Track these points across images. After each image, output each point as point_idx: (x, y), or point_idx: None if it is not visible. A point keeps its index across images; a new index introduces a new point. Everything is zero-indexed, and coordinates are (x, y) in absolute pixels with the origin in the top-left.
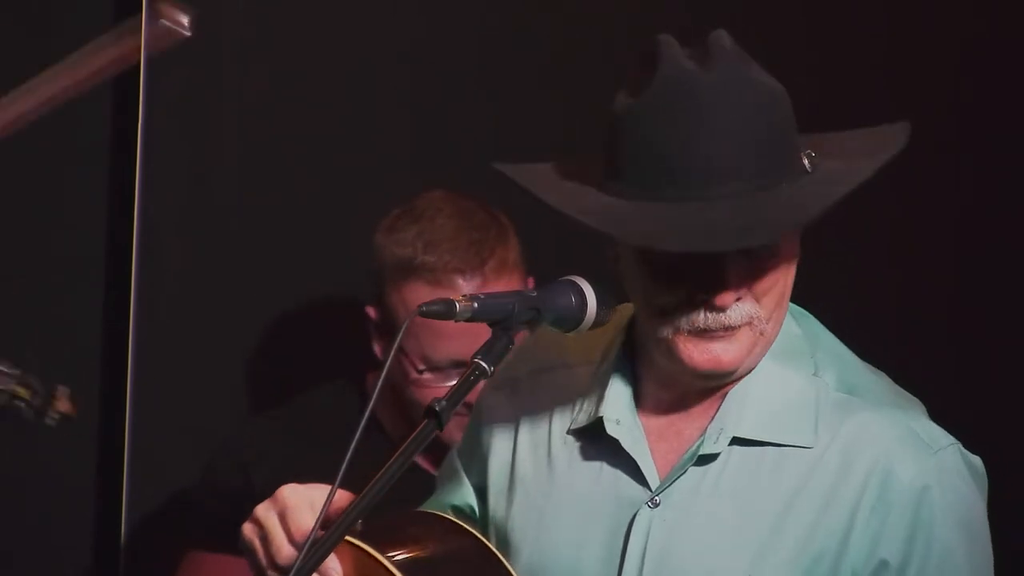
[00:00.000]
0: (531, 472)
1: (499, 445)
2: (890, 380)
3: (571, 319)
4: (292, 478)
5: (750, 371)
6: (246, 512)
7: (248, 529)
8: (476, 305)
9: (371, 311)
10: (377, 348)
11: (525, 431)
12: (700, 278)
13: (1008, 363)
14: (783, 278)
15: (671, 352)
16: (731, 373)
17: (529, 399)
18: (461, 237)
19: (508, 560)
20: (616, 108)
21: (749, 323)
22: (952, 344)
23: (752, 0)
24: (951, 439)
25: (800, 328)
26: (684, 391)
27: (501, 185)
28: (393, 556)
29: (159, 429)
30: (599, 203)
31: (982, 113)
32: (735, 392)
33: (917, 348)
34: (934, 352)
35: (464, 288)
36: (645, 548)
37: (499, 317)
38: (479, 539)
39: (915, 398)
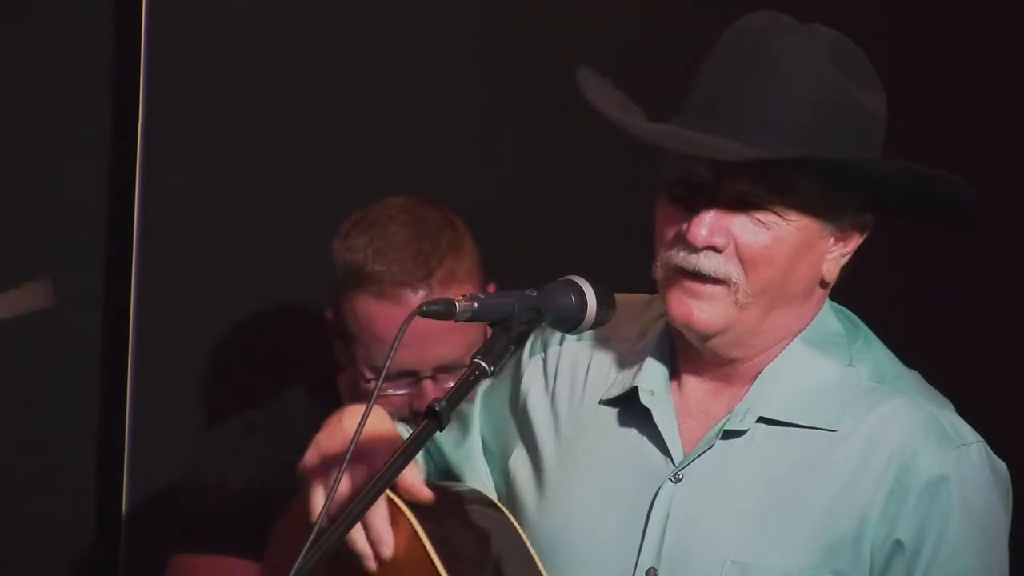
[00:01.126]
0: (569, 439)
1: (538, 411)
2: (922, 378)
3: (571, 319)
4: (269, 478)
5: (735, 349)
6: (226, 515)
7: (309, 460)
8: (476, 305)
9: (329, 314)
10: (336, 351)
11: (562, 400)
12: (691, 214)
13: (1008, 364)
14: (781, 263)
15: (665, 300)
16: (705, 336)
17: (566, 369)
18: (410, 247)
19: (527, 523)
20: None
21: (726, 283)
22: (951, 346)
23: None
24: (978, 437)
25: (841, 325)
26: (716, 373)
27: (501, 187)
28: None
29: (159, 429)
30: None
31: (982, 113)
32: (766, 374)
33: (916, 350)
34: (933, 353)
35: (411, 300)
36: (666, 522)
37: (499, 317)
38: (508, 518)
39: (945, 398)
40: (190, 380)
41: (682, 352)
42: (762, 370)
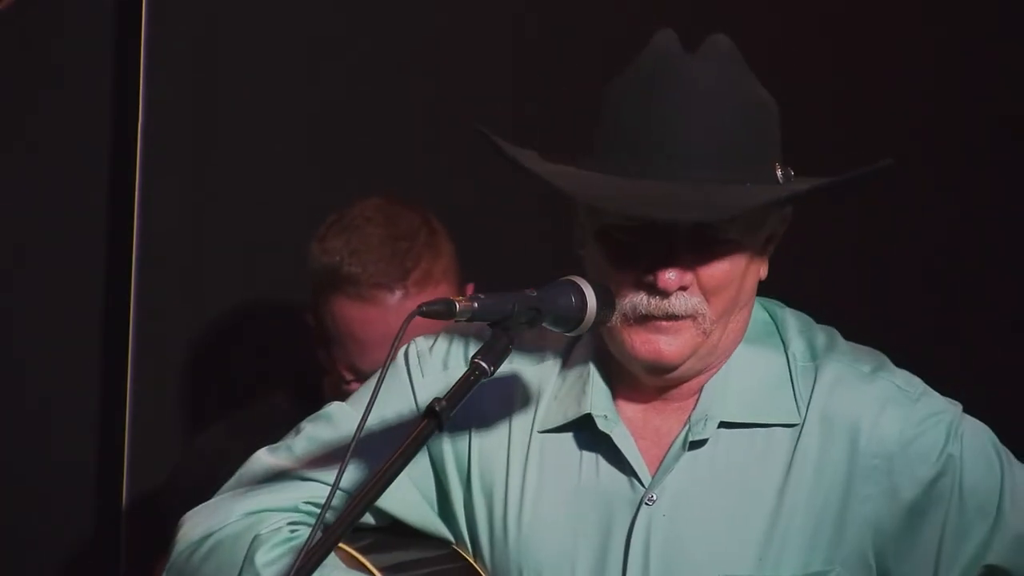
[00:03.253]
0: (497, 477)
1: (451, 453)
2: (839, 335)
3: (571, 319)
4: None
5: (696, 371)
6: None
7: None
8: (476, 305)
9: (309, 318)
10: (318, 354)
11: (477, 435)
12: (648, 262)
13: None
14: (737, 283)
15: (617, 340)
16: (673, 368)
17: (476, 405)
18: (385, 248)
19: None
20: (604, 88)
21: (693, 317)
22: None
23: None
24: (923, 385)
25: (764, 311)
26: (655, 390)
27: (491, 189)
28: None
29: (159, 429)
30: (559, 168)
31: (969, 117)
32: (713, 381)
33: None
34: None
35: (388, 301)
36: (648, 547)
37: (499, 317)
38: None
39: (872, 349)
40: (189, 380)
41: (617, 374)
42: (708, 380)
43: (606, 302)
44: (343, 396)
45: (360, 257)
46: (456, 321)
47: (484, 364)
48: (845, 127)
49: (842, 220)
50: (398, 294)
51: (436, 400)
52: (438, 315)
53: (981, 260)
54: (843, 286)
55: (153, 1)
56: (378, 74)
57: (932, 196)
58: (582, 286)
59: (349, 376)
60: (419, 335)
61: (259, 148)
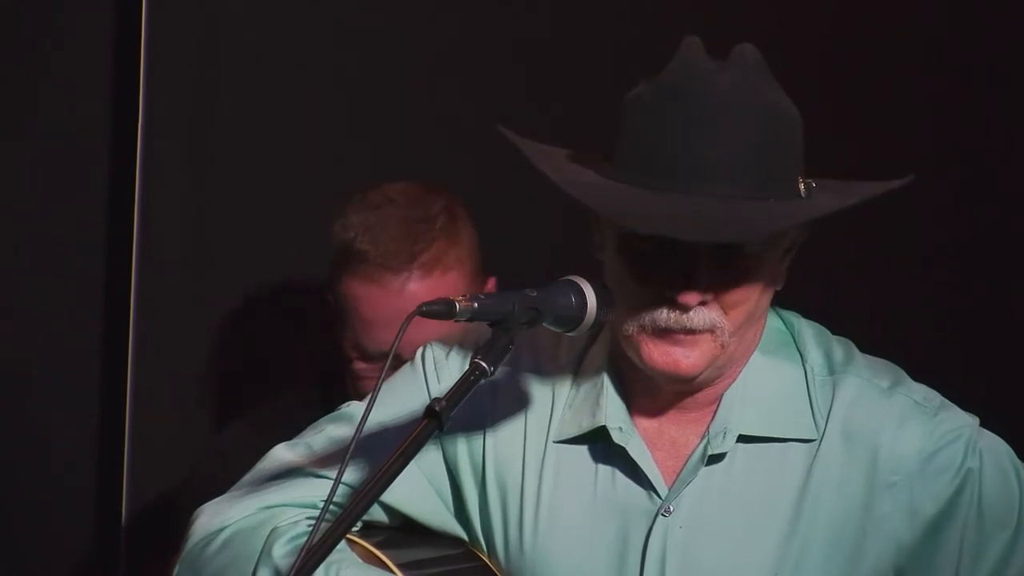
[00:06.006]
0: (512, 482)
1: (466, 455)
2: (855, 348)
3: (571, 319)
4: None
5: (713, 379)
6: None
7: None
8: (476, 305)
9: (329, 296)
10: (335, 335)
11: (492, 438)
12: (669, 275)
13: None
14: (755, 296)
15: (634, 349)
16: (691, 379)
17: (490, 407)
18: (399, 229)
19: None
20: (629, 95)
21: (712, 331)
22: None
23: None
24: (940, 398)
25: (780, 320)
26: (672, 399)
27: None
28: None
29: (159, 429)
30: (583, 178)
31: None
32: (731, 392)
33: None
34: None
35: (392, 283)
36: (664, 559)
37: (499, 317)
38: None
39: (888, 362)
40: (190, 379)
41: (631, 383)
42: (723, 390)
43: (606, 302)
44: (364, 389)
45: (373, 235)
46: (456, 321)
47: (484, 364)
48: (844, 127)
49: (840, 221)
50: (403, 276)
51: (436, 400)
52: (438, 315)
53: (981, 261)
54: (841, 288)
55: (153, 1)
56: (379, 73)
57: (931, 197)
58: (582, 286)
59: (354, 354)
60: (418, 330)
61: (259, 147)
